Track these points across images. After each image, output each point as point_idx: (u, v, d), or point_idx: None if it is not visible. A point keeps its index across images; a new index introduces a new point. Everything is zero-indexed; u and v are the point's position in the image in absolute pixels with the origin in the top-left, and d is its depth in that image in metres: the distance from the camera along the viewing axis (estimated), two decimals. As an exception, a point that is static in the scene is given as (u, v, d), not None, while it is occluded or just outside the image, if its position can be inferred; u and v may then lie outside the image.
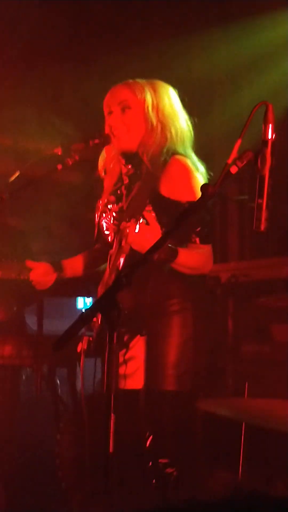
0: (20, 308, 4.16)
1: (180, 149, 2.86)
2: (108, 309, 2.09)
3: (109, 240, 2.96)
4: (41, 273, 3.10)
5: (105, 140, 3.01)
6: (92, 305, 2.17)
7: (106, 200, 3.00)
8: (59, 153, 3.05)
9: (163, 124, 2.87)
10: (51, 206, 4.93)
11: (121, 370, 2.79)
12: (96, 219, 3.05)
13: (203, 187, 2.16)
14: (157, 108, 2.89)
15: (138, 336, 2.82)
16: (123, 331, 2.79)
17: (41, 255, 4.62)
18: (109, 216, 2.96)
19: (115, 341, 2.09)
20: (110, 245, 2.95)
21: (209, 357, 2.93)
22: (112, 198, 2.98)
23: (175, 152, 2.85)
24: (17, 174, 3.17)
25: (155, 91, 2.92)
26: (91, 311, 2.17)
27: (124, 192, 2.93)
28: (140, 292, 2.76)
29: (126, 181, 2.94)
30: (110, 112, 2.92)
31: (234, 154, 2.15)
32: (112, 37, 5.00)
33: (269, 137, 2.17)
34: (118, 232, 2.85)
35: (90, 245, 3.27)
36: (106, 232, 2.98)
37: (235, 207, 4.94)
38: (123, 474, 2.76)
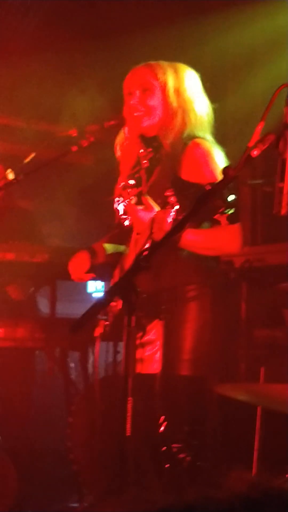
0: (33, 291, 4.16)
1: (199, 133, 2.83)
2: (127, 292, 2.08)
3: (127, 224, 2.93)
4: (79, 263, 2.99)
5: (121, 122, 2.97)
6: (110, 288, 2.16)
7: (123, 184, 2.96)
8: (74, 135, 3.02)
9: (184, 108, 2.83)
10: (65, 189, 4.91)
11: (138, 354, 2.78)
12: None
13: (225, 170, 2.13)
14: (178, 91, 2.84)
15: (156, 320, 2.80)
16: (140, 315, 2.78)
17: (53, 238, 4.61)
18: (127, 201, 2.92)
19: (133, 324, 2.08)
20: (126, 229, 2.92)
21: (224, 342, 2.92)
22: (131, 182, 2.94)
23: (194, 136, 2.81)
24: (32, 155, 3.15)
25: (177, 74, 2.87)
26: (109, 294, 2.16)
27: (144, 176, 2.90)
28: (159, 277, 2.74)
29: (146, 164, 2.90)
30: (130, 93, 2.87)
31: (256, 136, 2.12)
32: (126, 21, 4.96)
33: (291, 119, 2.13)
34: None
35: (103, 228, 3.25)
36: (124, 216, 2.94)
37: (248, 191, 4.91)
38: (138, 458, 2.76)
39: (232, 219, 2.69)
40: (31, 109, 4.83)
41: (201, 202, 2.19)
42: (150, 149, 2.90)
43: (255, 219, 4.93)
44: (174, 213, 2.43)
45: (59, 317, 3.77)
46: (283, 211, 2.15)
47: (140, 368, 2.79)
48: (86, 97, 4.55)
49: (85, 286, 5.37)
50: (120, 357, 4.31)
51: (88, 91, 4.62)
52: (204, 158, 2.77)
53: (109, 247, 3.05)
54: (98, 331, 2.86)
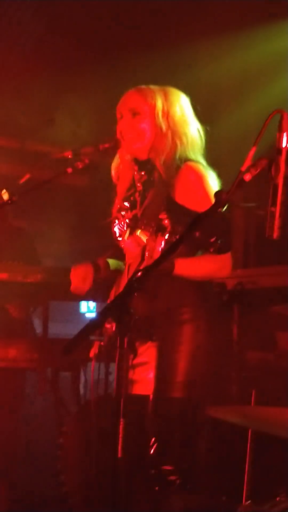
0: (27, 311, 4.16)
1: (191, 156, 2.87)
2: (120, 314, 2.09)
3: (122, 246, 2.96)
4: (82, 273, 3.02)
5: (115, 144, 3.01)
6: (103, 309, 2.17)
7: (118, 207, 3.00)
8: (69, 156, 3.05)
9: (173, 131, 2.87)
10: (59, 210, 4.93)
11: (130, 375, 2.79)
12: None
13: (217, 194, 2.16)
14: (167, 115, 2.90)
15: (149, 342, 2.81)
16: (134, 337, 2.79)
17: (47, 258, 4.62)
18: (122, 223, 2.96)
19: (126, 346, 2.09)
20: (122, 250, 2.95)
21: (217, 365, 2.93)
22: (126, 204, 2.98)
23: (187, 159, 2.85)
24: (27, 176, 3.17)
25: (166, 97, 2.93)
26: (102, 315, 2.16)
27: (138, 199, 2.93)
28: (153, 299, 2.76)
29: (140, 187, 2.94)
30: (122, 117, 2.94)
31: (248, 161, 2.15)
32: (120, 44, 5.02)
33: (284, 145, 2.17)
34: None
35: (97, 249, 3.26)
36: (119, 239, 2.98)
37: (241, 214, 4.95)
38: (128, 480, 2.76)
39: (222, 249, 2.73)
40: (27, 130, 4.87)
41: (193, 227, 2.22)
42: (144, 172, 2.94)
43: (248, 241, 4.96)
44: (164, 241, 2.47)
45: (51, 338, 3.77)
46: (275, 235, 2.17)
47: (132, 389, 2.79)
48: (82, 119, 4.59)
49: (77, 307, 5.37)
50: (112, 378, 4.31)
51: (84, 113, 4.66)
52: (198, 181, 2.81)
53: (112, 263, 3.08)
54: (93, 352, 2.87)
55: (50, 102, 4.75)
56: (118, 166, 3.03)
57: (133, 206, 2.95)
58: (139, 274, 2.16)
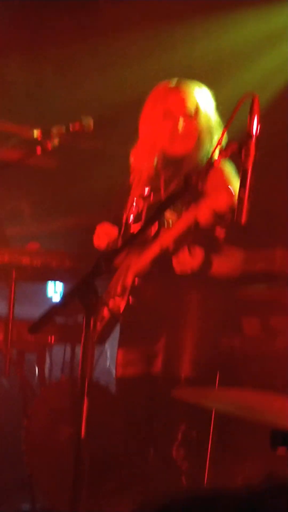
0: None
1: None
2: (86, 295, 2.08)
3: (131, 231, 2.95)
4: (107, 231, 3.04)
5: (87, 126, 2.99)
6: (70, 290, 2.16)
7: (135, 198, 2.98)
8: (39, 137, 3.02)
9: (211, 134, 2.92)
10: (26, 191, 4.89)
11: (135, 356, 2.83)
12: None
13: (187, 177, 2.16)
14: (206, 119, 2.95)
15: (156, 325, 2.84)
16: (142, 319, 2.83)
17: (13, 240, 4.58)
18: (140, 209, 2.94)
19: (91, 327, 2.09)
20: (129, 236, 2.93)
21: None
22: (143, 196, 2.96)
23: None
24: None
25: (207, 99, 2.97)
26: (68, 296, 2.16)
27: (162, 185, 2.93)
28: (164, 282, 2.79)
29: (164, 176, 2.95)
30: (169, 116, 2.91)
31: (219, 145, 2.15)
32: (105, 21, 4.95)
33: (254, 129, 2.17)
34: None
35: (64, 231, 3.24)
36: (134, 224, 2.95)
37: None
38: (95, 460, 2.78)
39: (236, 242, 2.78)
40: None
41: (162, 208, 2.22)
42: (170, 169, 2.95)
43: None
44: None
45: (17, 319, 3.75)
46: (243, 220, 2.18)
47: (134, 371, 2.83)
48: (53, 98, 4.54)
49: (44, 289, 5.34)
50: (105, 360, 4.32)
51: (56, 91, 4.61)
52: (228, 180, 2.80)
53: None
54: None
55: (23, 77, 4.68)
56: (141, 161, 3.01)
57: (156, 192, 2.94)
58: (107, 256, 2.16)
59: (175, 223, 2.73)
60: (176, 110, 2.91)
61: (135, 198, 2.98)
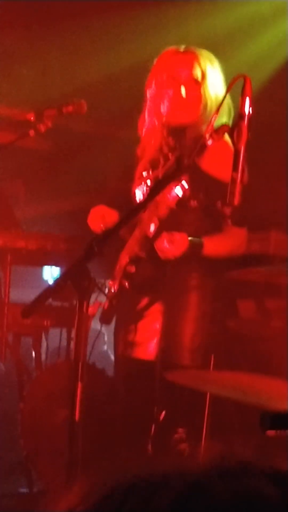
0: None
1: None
2: (79, 278, 2.08)
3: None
4: (100, 215, 2.91)
5: (79, 108, 2.96)
6: (63, 273, 2.15)
7: (142, 169, 2.89)
8: (32, 119, 3.00)
9: (216, 104, 2.74)
10: (20, 174, 4.87)
11: (132, 337, 2.79)
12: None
13: (178, 159, 2.15)
14: (216, 87, 2.76)
15: (155, 305, 2.79)
16: (141, 299, 2.78)
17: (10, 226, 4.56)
18: (143, 186, 2.86)
19: (85, 310, 2.09)
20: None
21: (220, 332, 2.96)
22: (149, 167, 2.86)
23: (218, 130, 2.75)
24: (-12, 139, 3.12)
25: (215, 68, 2.79)
26: (61, 279, 2.16)
27: (162, 161, 2.81)
28: (161, 264, 2.74)
29: (166, 151, 2.81)
30: (174, 80, 2.75)
31: (210, 126, 2.14)
32: (85, 9, 4.90)
33: (246, 110, 2.16)
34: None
35: (60, 214, 3.23)
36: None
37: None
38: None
39: (238, 222, 2.72)
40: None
41: (154, 192, 2.21)
42: (172, 138, 2.81)
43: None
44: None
45: (12, 303, 3.74)
46: (236, 201, 2.17)
47: (133, 352, 2.79)
48: (45, 79, 4.50)
49: (40, 273, 5.34)
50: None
51: (47, 72, 4.57)
52: (228, 153, 2.67)
53: None
54: (92, 311, 2.76)
55: (13, 60, 4.64)
56: (147, 130, 2.86)
57: (155, 168, 2.82)
58: (99, 239, 2.15)
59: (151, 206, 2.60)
60: (180, 75, 2.73)
61: (143, 172, 2.88)
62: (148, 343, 2.81)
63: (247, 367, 3.07)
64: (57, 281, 2.16)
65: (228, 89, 2.13)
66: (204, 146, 2.14)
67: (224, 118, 2.74)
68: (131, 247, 2.75)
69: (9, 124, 3.03)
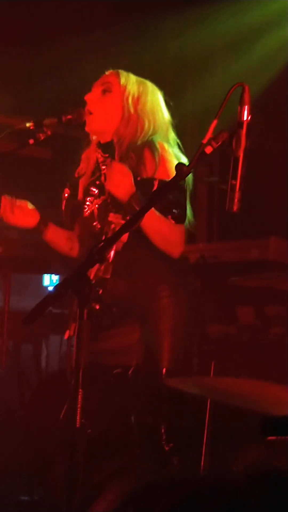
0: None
1: (158, 139, 2.84)
2: (80, 285, 2.09)
3: (96, 229, 2.88)
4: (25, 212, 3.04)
5: (78, 117, 2.98)
6: (63, 281, 2.16)
7: (85, 190, 2.94)
8: (31, 128, 3.01)
9: (141, 117, 2.83)
10: (20, 182, 4.88)
11: (110, 347, 2.81)
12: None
13: (178, 166, 2.16)
14: (137, 101, 2.86)
15: (132, 319, 2.81)
16: (116, 314, 2.81)
17: (9, 230, 4.58)
18: (91, 209, 2.91)
19: (85, 317, 2.10)
20: (95, 233, 2.87)
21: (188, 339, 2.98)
22: (93, 190, 2.92)
23: (151, 140, 2.83)
24: (-13, 148, 3.13)
25: (141, 86, 2.89)
26: (62, 287, 2.16)
27: (104, 183, 2.85)
28: (131, 279, 2.77)
29: (104, 171, 2.88)
30: (92, 92, 2.91)
31: (209, 134, 2.15)
32: (86, 17, 4.94)
33: (245, 118, 2.17)
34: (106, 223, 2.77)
35: (59, 221, 3.23)
36: (93, 223, 2.89)
37: (205, 188, 4.96)
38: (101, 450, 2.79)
39: (178, 220, 2.75)
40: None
41: (153, 200, 2.22)
42: (107, 155, 2.91)
43: (211, 216, 4.98)
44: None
45: (12, 311, 3.76)
46: (235, 208, 2.18)
47: (111, 360, 2.81)
48: (44, 89, 4.53)
49: (40, 280, 5.35)
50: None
51: (45, 82, 4.60)
52: (155, 153, 2.77)
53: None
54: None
55: (13, 70, 4.68)
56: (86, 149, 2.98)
57: (101, 192, 2.89)
58: (100, 245, 2.16)
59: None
60: (95, 84, 2.89)
61: (84, 196, 2.93)
62: (126, 353, 2.82)
63: (246, 372, 3.08)
64: (57, 289, 2.16)
65: (226, 98, 2.14)
66: (203, 153, 2.15)
67: (163, 136, 2.82)
68: (94, 270, 2.75)
69: (9, 133, 3.03)
